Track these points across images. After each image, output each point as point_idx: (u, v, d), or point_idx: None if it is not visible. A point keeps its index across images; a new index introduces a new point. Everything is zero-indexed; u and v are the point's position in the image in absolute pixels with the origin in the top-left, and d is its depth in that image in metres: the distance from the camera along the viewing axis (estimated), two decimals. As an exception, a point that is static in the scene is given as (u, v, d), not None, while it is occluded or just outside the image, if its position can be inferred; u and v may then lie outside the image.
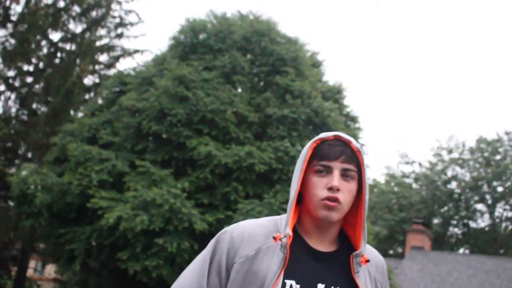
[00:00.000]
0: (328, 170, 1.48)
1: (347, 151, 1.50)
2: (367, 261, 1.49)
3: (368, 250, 1.58)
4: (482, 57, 50.50)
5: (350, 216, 1.56)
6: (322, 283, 1.46)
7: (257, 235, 1.50)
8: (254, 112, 9.82)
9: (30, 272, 17.46)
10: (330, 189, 1.46)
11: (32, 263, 18.43)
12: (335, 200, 1.46)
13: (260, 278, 1.42)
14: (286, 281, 1.42)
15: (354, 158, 1.51)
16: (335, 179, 1.46)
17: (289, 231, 1.45)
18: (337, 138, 1.52)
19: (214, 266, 1.50)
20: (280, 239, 1.45)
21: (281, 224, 1.53)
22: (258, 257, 1.47)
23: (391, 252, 27.62)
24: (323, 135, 1.53)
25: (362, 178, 1.52)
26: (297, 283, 1.43)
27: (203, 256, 1.53)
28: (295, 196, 1.50)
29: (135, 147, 9.70)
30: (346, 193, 1.48)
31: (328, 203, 1.46)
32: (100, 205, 8.64)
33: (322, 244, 1.52)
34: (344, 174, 1.49)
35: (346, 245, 1.56)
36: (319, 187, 1.47)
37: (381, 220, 26.27)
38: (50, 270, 19.31)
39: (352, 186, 1.50)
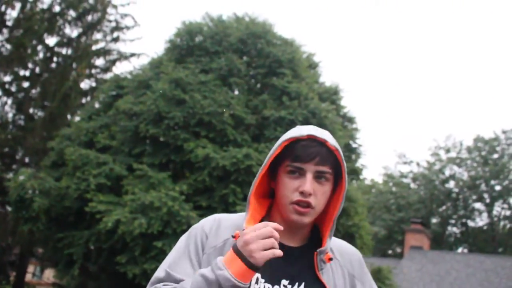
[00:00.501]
0: (301, 172, 1.42)
1: (322, 152, 1.43)
2: (330, 259, 1.46)
3: (340, 245, 1.55)
4: (479, 56, 50.67)
5: (324, 213, 1.51)
6: (287, 279, 1.43)
7: (226, 227, 1.48)
8: (251, 114, 9.83)
9: (28, 277, 17.43)
10: (302, 193, 1.41)
11: (30, 268, 18.39)
12: (307, 205, 1.42)
13: None
14: None
15: (329, 159, 1.43)
16: (308, 183, 1.41)
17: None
18: (312, 138, 1.44)
19: (192, 260, 1.46)
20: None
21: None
22: (225, 248, 1.44)
23: (390, 252, 27.65)
24: (296, 133, 1.45)
25: (343, 176, 1.46)
26: (262, 277, 1.42)
27: (179, 248, 1.49)
28: (253, 190, 1.46)
29: (133, 151, 9.70)
30: (319, 196, 1.43)
31: (299, 209, 1.42)
32: (98, 209, 8.64)
33: (291, 240, 1.49)
34: (318, 176, 1.43)
35: (317, 241, 1.51)
36: (291, 189, 1.42)
37: (380, 220, 26.29)
38: (49, 274, 19.27)
39: (326, 188, 1.45)
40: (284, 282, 1.43)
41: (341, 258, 1.53)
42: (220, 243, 1.47)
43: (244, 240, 1.30)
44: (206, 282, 1.30)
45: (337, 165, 1.47)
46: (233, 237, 1.38)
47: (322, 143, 1.43)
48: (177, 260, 1.44)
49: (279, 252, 1.29)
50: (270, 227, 1.31)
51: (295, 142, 1.44)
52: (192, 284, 1.33)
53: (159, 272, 1.43)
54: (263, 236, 1.29)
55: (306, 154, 1.41)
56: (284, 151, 1.45)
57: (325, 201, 1.47)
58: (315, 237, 1.53)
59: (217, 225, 1.49)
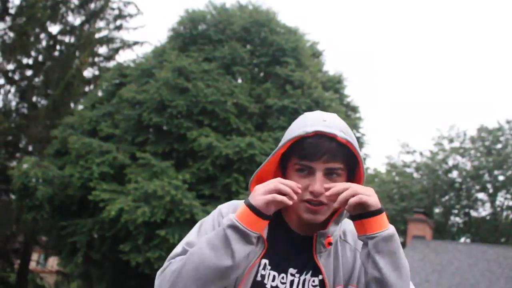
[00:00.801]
0: (310, 171, 1.35)
1: (331, 148, 1.34)
2: (330, 243, 1.41)
3: (353, 230, 1.44)
4: (483, 46, 50.37)
5: None
6: (295, 268, 1.41)
7: None
8: (254, 103, 9.81)
9: (32, 265, 17.54)
10: (312, 192, 1.35)
11: (34, 256, 18.50)
12: (319, 203, 1.36)
13: None
14: (262, 260, 1.40)
15: (340, 153, 1.35)
16: (317, 183, 1.34)
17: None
18: (319, 134, 1.34)
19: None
20: None
21: None
22: None
23: (392, 241, 27.55)
24: (301, 130, 1.36)
25: (360, 166, 1.39)
26: (269, 264, 1.40)
27: (196, 229, 1.48)
28: (252, 180, 1.42)
29: (136, 139, 9.70)
30: None
31: (311, 207, 1.37)
32: (101, 197, 8.66)
33: (304, 230, 1.45)
34: (329, 173, 1.35)
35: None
36: (300, 188, 1.35)
37: (382, 210, 26.18)
38: (53, 262, 19.38)
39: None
40: (292, 270, 1.41)
41: (354, 242, 1.47)
42: None
43: (253, 190, 1.33)
44: (216, 233, 1.32)
45: (351, 156, 1.38)
46: None
47: (331, 137, 1.35)
48: (193, 238, 1.43)
49: (280, 197, 1.28)
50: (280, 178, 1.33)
51: (300, 139, 1.36)
52: (203, 240, 1.34)
53: (177, 249, 1.43)
54: (268, 184, 1.31)
55: (314, 152, 1.34)
56: (291, 147, 1.38)
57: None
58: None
59: (234, 209, 1.46)
